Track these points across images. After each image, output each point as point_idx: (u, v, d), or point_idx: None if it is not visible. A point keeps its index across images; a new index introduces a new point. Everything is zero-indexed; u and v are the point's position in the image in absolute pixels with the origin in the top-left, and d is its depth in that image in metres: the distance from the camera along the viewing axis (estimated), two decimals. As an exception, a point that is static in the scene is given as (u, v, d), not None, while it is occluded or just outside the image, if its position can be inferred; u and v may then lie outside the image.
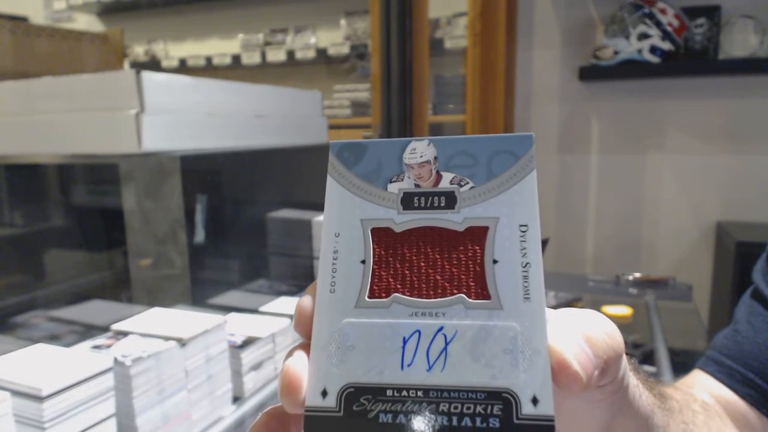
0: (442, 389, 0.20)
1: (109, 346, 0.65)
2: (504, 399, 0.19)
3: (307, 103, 1.27)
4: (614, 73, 1.93)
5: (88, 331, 0.78)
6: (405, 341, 0.20)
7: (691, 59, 1.88)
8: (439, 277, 0.21)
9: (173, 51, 3.36)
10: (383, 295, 0.21)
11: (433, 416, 0.19)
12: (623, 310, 1.20)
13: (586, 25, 2.05)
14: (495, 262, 0.21)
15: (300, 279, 1.19)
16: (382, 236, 0.22)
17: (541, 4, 2.10)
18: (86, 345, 0.66)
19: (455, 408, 0.19)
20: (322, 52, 2.85)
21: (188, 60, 3.17)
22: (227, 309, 0.90)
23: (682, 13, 1.84)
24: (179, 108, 0.89)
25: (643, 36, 1.86)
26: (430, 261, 0.21)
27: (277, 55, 2.94)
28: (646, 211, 2.08)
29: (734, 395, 0.49)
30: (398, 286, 0.21)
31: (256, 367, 0.80)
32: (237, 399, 0.78)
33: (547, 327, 0.20)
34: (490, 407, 0.19)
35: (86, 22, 3.49)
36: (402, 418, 0.20)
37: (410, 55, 1.70)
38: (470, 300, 0.21)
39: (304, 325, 0.22)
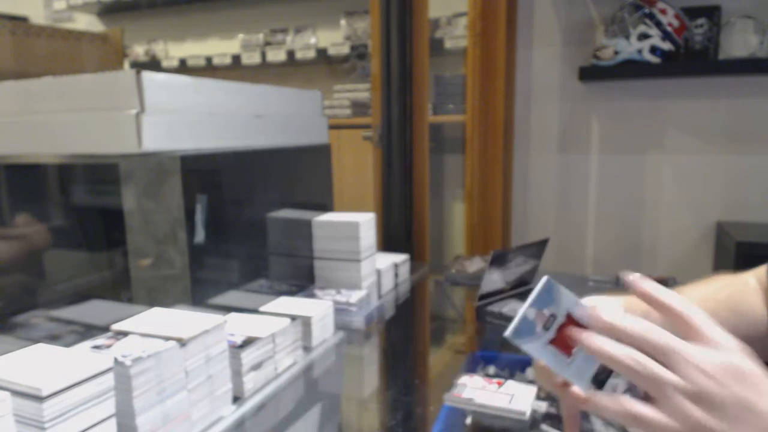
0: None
1: (109, 346, 0.65)
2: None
3: (307, 103, 1.26)
4: (614, 73, 1.93)
5: (88, 331, 0.78)
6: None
7: (691, 59, 1.88)
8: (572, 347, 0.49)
9: (173, 51, 3.36)
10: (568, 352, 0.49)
11: None
12: (623, 310, 1.20)
13: (586, 25, 2.06)
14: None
15: (300, 279, 1.19)
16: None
17: (541, 4, 2.10)
18: (86, 345, 0.66)
19: None
20: (322, 52, 2.85)
21: (188, 60, 3.18)
22: (227, 309, 0.90)
23: (682, 14, 1.85)
24: (179, 108, 0.89)
25: (644, 36, 1.86)
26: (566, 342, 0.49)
27: (277, 55, 2.95)
28: (646, 211, 2.08)
29: None
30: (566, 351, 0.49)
31: (256, 367, 0.80)
32: (237, 399, 0.78)
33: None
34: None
35: (86, 22, 3.49)
36: None
37: (410, 55, 1.70)
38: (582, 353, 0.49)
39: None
